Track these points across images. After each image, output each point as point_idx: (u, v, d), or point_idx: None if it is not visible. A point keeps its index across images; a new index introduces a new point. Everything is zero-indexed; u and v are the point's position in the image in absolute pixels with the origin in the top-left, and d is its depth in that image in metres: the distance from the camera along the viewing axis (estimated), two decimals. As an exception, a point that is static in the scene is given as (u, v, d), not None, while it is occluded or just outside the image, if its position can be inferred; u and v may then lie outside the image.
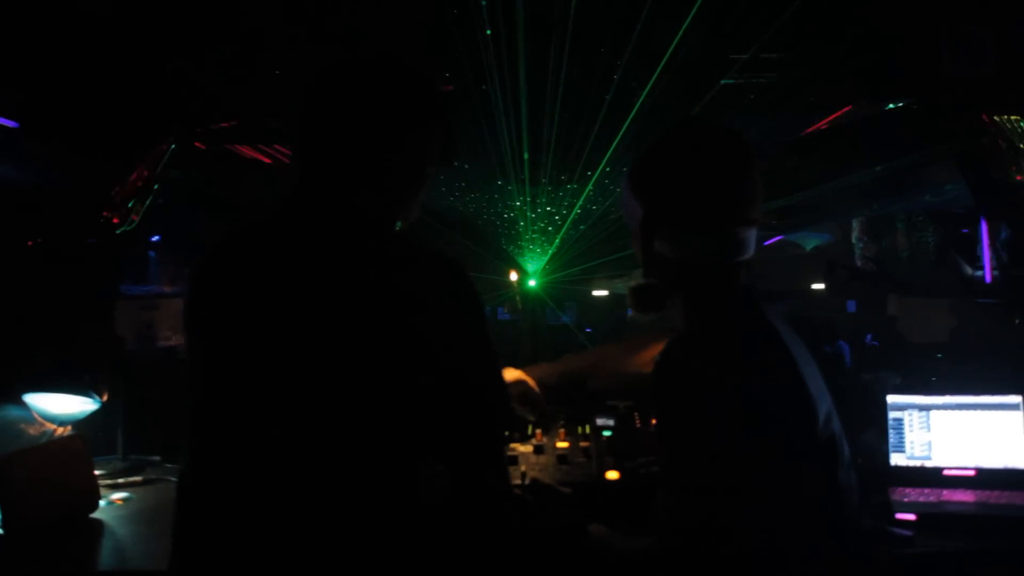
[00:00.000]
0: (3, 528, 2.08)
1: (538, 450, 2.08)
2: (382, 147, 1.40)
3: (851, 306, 13.13)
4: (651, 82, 4.71)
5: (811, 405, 1.45)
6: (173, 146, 4.12)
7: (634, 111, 4.95)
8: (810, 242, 13.12)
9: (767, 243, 12.02)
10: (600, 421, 2.19)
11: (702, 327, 1.54)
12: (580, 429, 2.17)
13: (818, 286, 13.23)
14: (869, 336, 8.65)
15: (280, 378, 1.31)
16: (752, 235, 1.55)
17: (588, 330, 7.97)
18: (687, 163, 1.54)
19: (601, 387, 2.27)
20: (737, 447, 1.40)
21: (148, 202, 3.82)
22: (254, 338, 1.33)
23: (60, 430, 2.73)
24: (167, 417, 3.23)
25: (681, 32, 4.04)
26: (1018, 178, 3.71)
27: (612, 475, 2.01)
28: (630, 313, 1.71)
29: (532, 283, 9.80)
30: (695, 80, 4.78)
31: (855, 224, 11.34)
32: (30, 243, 3.77)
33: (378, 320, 1.30)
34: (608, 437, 2.14)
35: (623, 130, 5.23)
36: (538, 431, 2.11)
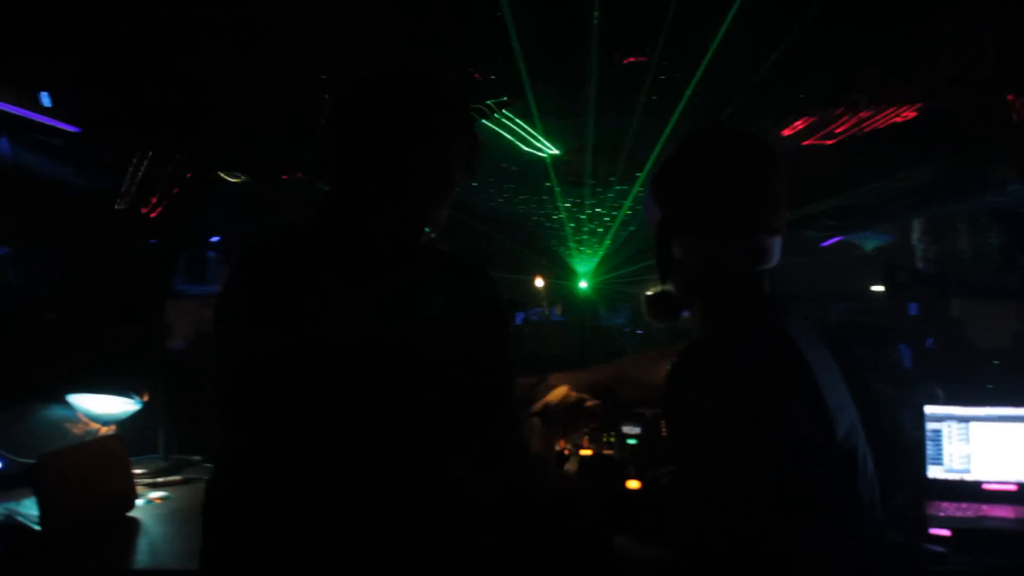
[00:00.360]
0: (40, 525, 2.13)
1: (560, 458, 2.07)
2: (407, 154, 1.42)
3: (912, 309, 12.84)
4: (695, 79, 4.66)
5: (828, 417, 1.42)
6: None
7: (679, 108, 4.90)
8: (870, 243, 12.84)
9: (825, 244, 11.83)
10: (626, 429, 2.17)
11: (717, 336, 1.51)
12: (605, 437, 2.15)
13: (878, 288, 12.96)
14: (930, 340, 8.44)
15: (304, 385, 1.34)
16: (776, 244, 1.52)
17: (639, 332, 7.89)
18: (708, 169, 1.52)
19: (631, 397, 2.25)
20: (749, 458, 1.37)
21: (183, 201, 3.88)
22: (281, 346, 1.35)
23: (104, 429, 2.80)
24: (209, 417, 3.32)
25: (724, 27, 3.99)
26: None
27: (633, 484, 2.00)
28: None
29: (583, 284, 9.79)
30: (742, 77, 4.71)
31: (916, 225, 11.07)
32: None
33: (401, 326, 1.32)
34: (632, 446, 2.12)
35: (669, 129, 5.19)
36: (561, 439, 2.10)
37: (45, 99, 4.77)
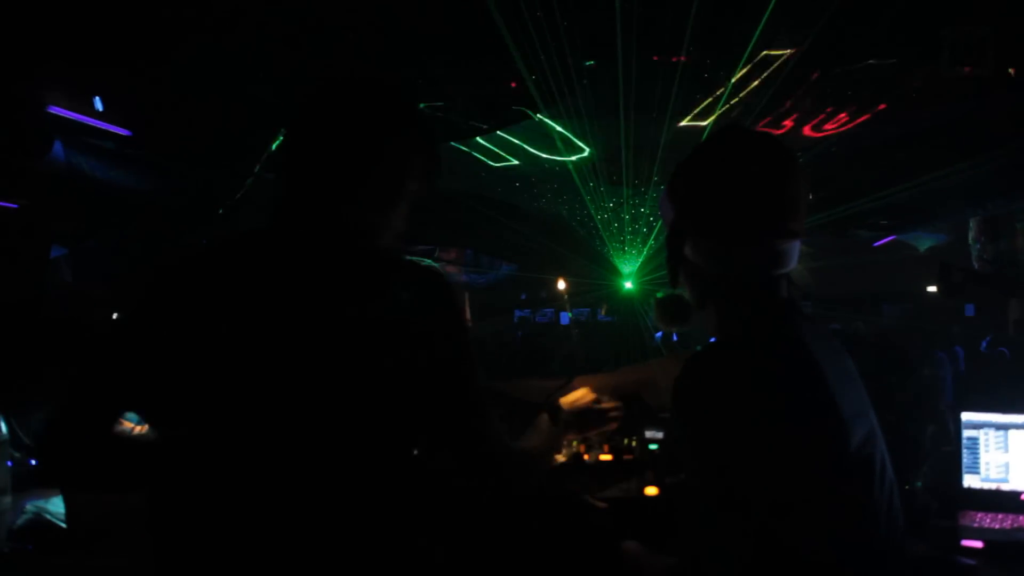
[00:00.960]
0: (66, 523, 2.17)
1: (578, 462, 2.05)
2: (361, 158, 1.44)
3: (969, 310, 12.57)
4: (736, 76, 4.61)
5: (842, 425, 1.38)
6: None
7: (720, 107, 4.85)
8: (924, 242, 12.60)
9: (877, 244, 11.65)
10: (649, 434, 2.14)
11: (730, 341, 1.48)
12: (626, 441, 2.13)
13: (932, 288, 12.69)
14: (985, 343, 8.24)
15: (268, 381, 1.31)
16: (794, 248, 1.48)
17: (674, 339, 7.81)
18: (724, 171, 1.48)
19: (657, 402, 2.23)
20: (759, 465, 1.34)
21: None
22: (238, 344, 1.33)
23: (138, 428, 2.84)
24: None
25: (762, 25, 3.94)
26: None
27: (651, 491, 1.96)
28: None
29: (628, 285, 9.76)
30: (787, 74, 4.66)
31: (972, 224, 10.81)
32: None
33: (363, 323, 1.33)
34: (654, 451, 2.09)
35: (708, 127, 5.13)
36: (581, 445, 2.08)
37: (98, 103, 4.90)
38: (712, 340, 1.54)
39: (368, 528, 1.32)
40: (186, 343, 1.33)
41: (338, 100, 1.46)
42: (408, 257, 1.43)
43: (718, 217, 1.47)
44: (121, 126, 5.05)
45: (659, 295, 1.58)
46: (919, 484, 2.21)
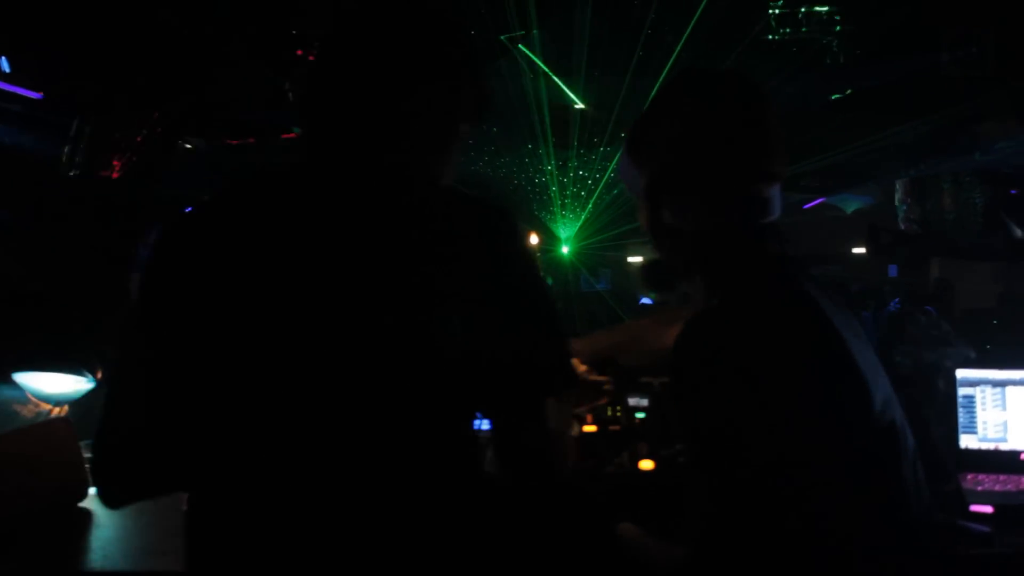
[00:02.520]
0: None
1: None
2: (407, 94, 1.22)
3: (893, 270, 12.86)
4: (685, 36, 4.47)
5: (864, 387, 1.23)
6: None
7: (668, 66, 4.70)
8: (851, 205, 12.81)
9: (806, 206, 11.77)
10: (633, 401, 1.97)
11: (729, 300, 1.30)
12: (610, 411, 1.94)
13: (859, 250, 12.95)
14: (894, 303, 8.41)
15: (310, 341, 1.11)
16: (776, 193, 1.33)
17: (645, 301, 7.66)
18: (692, 115, 1.33)
19: (634, 365, 2.04)
20: (778, 433, 1.18)
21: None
22: (271, 299, 1.12)
23: (56, 411, 2.57)
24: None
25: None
26: None
27: (646, 465, 1.79)
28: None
29: (565, 250, 9.68)
30: (732, 34, 4.55)
31: (899, 186, 11.01)
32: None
33: (417, 273, 1.13)
34: (642, 420, 1.92)
35: (656, 87, 4.97)
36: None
37: (4, 64, 4.52)
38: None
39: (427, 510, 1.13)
40: (222, 311, 1.13)
41: (381, 24, 1.24)
42: (470, 195, 1.22)
43: (693, 169, 1.31)
44: (31, 88, 4.70)
45: (643, 260, 1.41)
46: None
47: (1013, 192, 10.00)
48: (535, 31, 4.00)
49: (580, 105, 5.66)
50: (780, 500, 1.17)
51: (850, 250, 13.34)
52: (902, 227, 11.19)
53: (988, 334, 5.19)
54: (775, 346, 1.22)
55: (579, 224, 8.74)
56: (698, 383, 1.24)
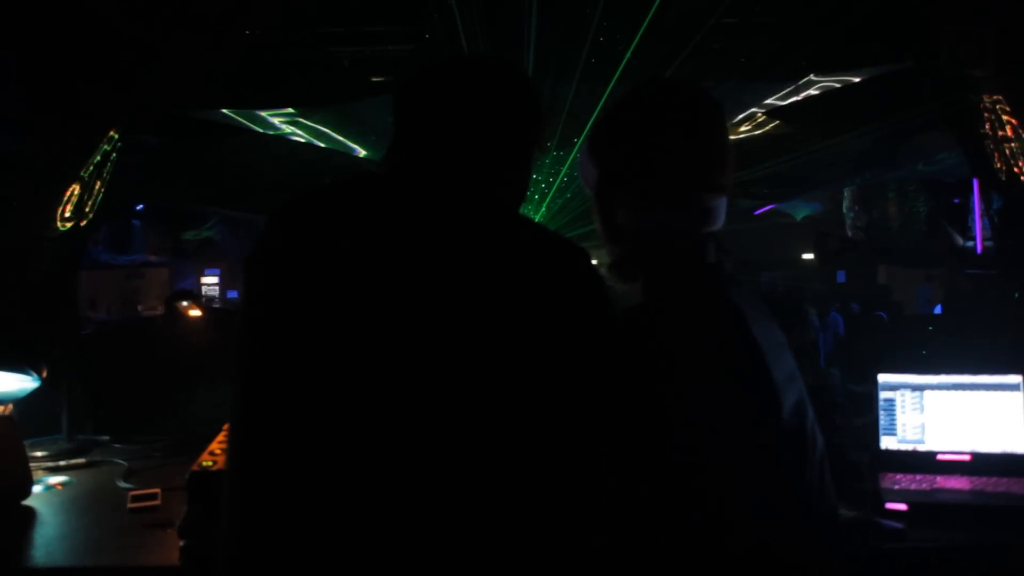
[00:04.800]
0: None
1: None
2: (501, 154, 1.32)
3: (841, 276, 13.12)
4: (634, 43, 4.54)
5: (774, 393, 1.30)
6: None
7: (618, 73, 4.77)
8: (800, 211, 13.05)
9: (757, 212, 11.96)
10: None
11: (658, 305, 1.37)
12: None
13: (808, 256, 13.19)
14: (856, 305, 8.54)
15: (362, 379, 1.12)
16: (721, 204, 1.39)
17: None
18: (648, 122, 1.38)
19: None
20: (687, 436, 1.24)
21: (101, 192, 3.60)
22: (342, 321, 1.14)
23: (1, 409, 2.57)
24: (124, 394, 3.10)
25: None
26: (1012, 143, 3.58)
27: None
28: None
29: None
30: (682, 42, 4.60)
31: (846, 193, 11.26)
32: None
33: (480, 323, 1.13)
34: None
35: (607, 93, 5.05)
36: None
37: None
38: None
39: None
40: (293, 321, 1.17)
41: (472, 83, 1.33)
42: (550, 233, 1.22)
43: (639, 174, 1.37)
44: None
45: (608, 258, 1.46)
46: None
47: (956, 201, 10.28)
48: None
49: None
50: (682, 494, 1.24)
51: (800, 256, 13.58)
52: (849, 234, 11.44)
53: (927, 339, 5.34)
54: (688, 350, 1.27)
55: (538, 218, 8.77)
56: (614, 383, 1.30)
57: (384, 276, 1.14)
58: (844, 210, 11.23)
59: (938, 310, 7.95)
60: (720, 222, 1.39)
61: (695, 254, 1.39)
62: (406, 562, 1.09)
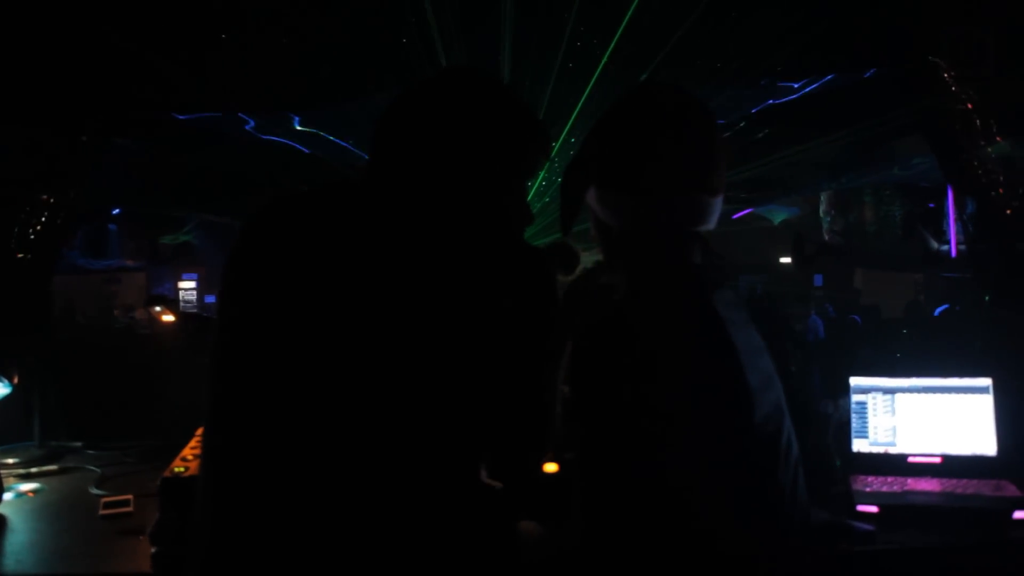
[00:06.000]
0: None
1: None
2: (472, 158, 1.34)
3: (818, 280, 13.19)
4: (611, 47, 4.55)
5: (748, 398, 1.31)
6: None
7: (594, 78, 4.79)
8: (778, 215, 13.13)
9: (736, 216, 12.02)
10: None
11: (636, 304, 1.39)
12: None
13: (786, 260, 13.26)
14: (831, 308, 8.58)
15: (329, 367, 1.19)
16: (715, 204, 1.41)
17: None
18: (636, 124, 1.40)
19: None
20: (660, 438, 1.25)
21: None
22: (306, 314, 1.21)
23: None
24: (97, 399, 3.08)
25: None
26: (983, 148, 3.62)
27: (550, 467, 1.86)
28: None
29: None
30: (658, 47, 4.62)
31: (823, 198, 11.34)
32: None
33: (439, 310, 1.21)
34: (550, 426, 1.98)
35: (583, 98, 5.07)
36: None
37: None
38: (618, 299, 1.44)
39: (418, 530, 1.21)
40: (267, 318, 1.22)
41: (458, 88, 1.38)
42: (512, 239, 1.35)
43: (631, 171, 1.38)
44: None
45: (544, 242, 1.49)
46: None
47: (932, 205, 10.37)
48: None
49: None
50: (656, 499, 1.25)
51: (778, 260, 13.66)
52: (826, 238, 11.53)
53: (900, 343, 5.38)
54: (662, 348, 1.29)
55: (537, 226, 8.76)
56: (590, 382, 1.31)
57: (347, 279, 1.20)
58: (821, 214, 11.32)
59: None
60: (711, 223, 1.42)
61: (677, 254, 1.40)
62: (374, 562, 1.16)
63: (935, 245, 9.95)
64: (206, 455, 1.26)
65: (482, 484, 1.47)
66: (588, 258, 1.67)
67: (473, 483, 1.32)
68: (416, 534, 1.20)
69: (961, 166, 3.73)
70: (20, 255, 3.37)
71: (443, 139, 1.32)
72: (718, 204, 1.42)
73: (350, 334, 1.18)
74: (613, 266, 1.50)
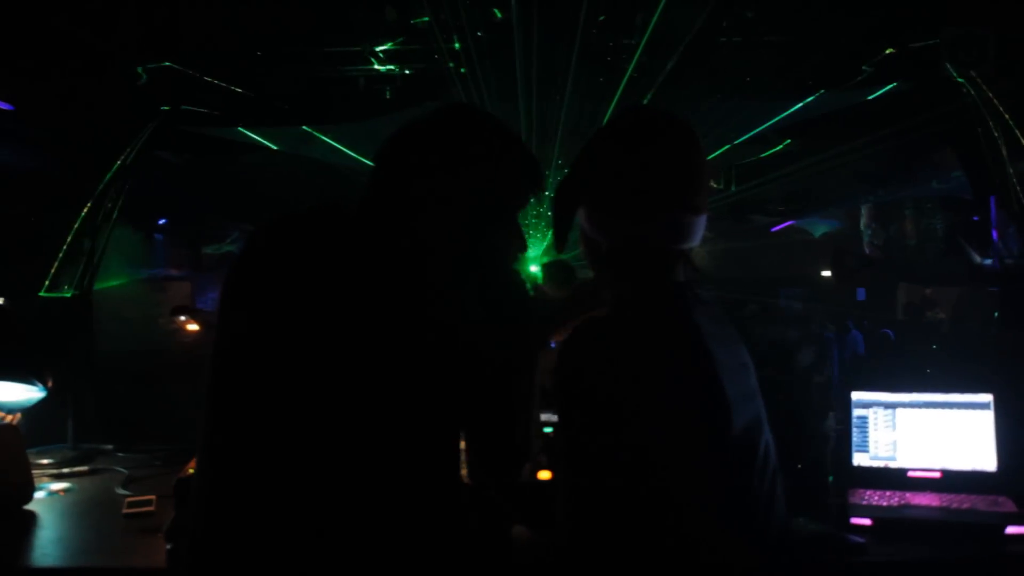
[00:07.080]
0: None
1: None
2: (444, 176, 1.43)
3: (861, 294, 13.01)
4: (634, 59, 4.58)
5: (725, 409, 1.36)
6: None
7: (620, 89, 4.83)
8: (819, 228, 12.96)
9: (775, 229, 11.92)
10: (544, 417, 2.09)
11: (618, 316, 1.45)
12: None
13: (827, 273, 13.10)
14: (892, 333, 8.51)
15: (318, 379, 1.30)
16: (698, 223, 1.46)
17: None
18: (621, 146, 1.47)
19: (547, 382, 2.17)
20: (638, 446, 1.31)
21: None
22: (295, 325, 1.32)
23: (10, 418, 2.68)
24: (131, 403, 3.21)
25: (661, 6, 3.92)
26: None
27: (544, 475, 1.92)
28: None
29: (534, 269, 9.69)
30: (688, 60, 4.65)
31: (864, 210, 11.18)
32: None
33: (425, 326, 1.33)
34: (547, 434, 2.04)
35: (611, 109, 5.11)
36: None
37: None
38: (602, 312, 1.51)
39: (404, 533, 1.32)
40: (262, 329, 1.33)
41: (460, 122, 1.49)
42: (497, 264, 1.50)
43: (618, 192, 1.45)
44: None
45: (544, 260, 1.56)
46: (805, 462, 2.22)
47: (976, 219, 10.19)
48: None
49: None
50: (635, 504, 1.31)
51: (819, 273, 13.48)
52: (867, 251, 11.36)
53: (930, 358, 5.33)
54: (641, 359, 1.35)
55: (546, 243, 8.80)
56: (572, 391, 1.38)
57: (340, 294, 1.32)
58: (862, 227, 11.17)
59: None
60: (694, 241, 1.48)
61: (662, 271, 1.46)
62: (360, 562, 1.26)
63: (977, 259, 9.78)
64: (203, 452, 1.35)
65: (470, 488, 1.55)
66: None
67: (458, 486, 1.41)
68: (400, 535, 1.28)
69: (993, 181, 3.70)
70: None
71: (437, 171, 1.41)
72: (702, 222, 1.48)
73: (342, 343, 1.28)
74: (601, 281, 1.57)
